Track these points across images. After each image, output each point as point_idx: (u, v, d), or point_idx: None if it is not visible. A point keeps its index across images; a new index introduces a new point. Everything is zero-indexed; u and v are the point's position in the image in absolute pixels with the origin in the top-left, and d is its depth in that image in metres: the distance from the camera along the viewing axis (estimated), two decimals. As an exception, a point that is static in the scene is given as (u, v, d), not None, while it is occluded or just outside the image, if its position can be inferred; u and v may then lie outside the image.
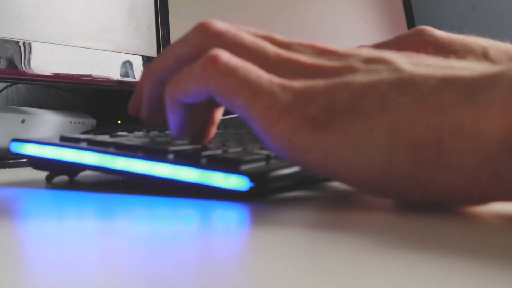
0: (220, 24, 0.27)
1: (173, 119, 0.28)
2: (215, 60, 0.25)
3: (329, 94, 0.23)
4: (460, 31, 0.37)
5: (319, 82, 0.24)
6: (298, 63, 0.25)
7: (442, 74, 0.23)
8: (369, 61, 0.25)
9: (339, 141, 0.22)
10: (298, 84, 0.24)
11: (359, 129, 0.22)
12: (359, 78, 0.24)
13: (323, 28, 0.80)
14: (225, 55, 0.25)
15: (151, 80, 0.29)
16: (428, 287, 0.13)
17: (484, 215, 0.23)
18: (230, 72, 0.24)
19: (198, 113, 0.29)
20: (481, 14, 0.95)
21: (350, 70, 0.24)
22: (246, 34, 0.27)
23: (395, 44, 0.36)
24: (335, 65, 0.25)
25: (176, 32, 0.65)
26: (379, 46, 0.36)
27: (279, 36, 0.28)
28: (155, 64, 0.29)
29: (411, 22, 0.91)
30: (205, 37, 0.27)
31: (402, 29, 0.91)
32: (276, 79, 0.25)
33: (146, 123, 0.31)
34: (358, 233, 0.19)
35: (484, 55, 0.34)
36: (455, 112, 0.21)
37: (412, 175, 0.22)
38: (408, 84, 0.23)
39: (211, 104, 0.30)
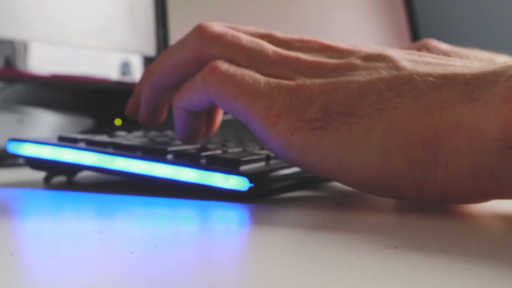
0: (217, 27, 0.28)
1: (179, 125, 0.29)
2: (214, 69, 0.26)
3: (327, 94, 0.24)
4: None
5: (317, 82, 0.24)
6: (297, 61, 0.26)
7: (441, 71, 0.23)
8: (369, 58, 0.25)
9: (336, 142, 0.23)
10: (296, 84, 0.24)
11: (356, 130, 0.22)
12: (357, 77, 0.24)
13: (325, 28, 0.79)
14: (224, 65, 0.26)
15: (150, 83, 0.30)
16: (428, 287, 0.13)
17: (486, 215, 0.23)
18: (228, 79, 0.25)
19: (203, 119, 0.30)
20: (482, 13, 0.95)
21: (350, 67, 0.25)
22: (243, 34, 0.27)
23: None
24: (335, 62, 0.25)
25: (175, 30, 0.65)
26: None
27: (279, 34, 0.28)
28: (154, 67, 0.30)
29: (412, 22, 0.91)
30: (204, 40, 0.27)
31: (402, 27, 0.91)
32: (273, 82, 0.25)
33: (144, 125, 0.32)
34: (358, 233, 0.19)
35: None
36: (453, 110, 0.21)
37: (408, 174, 0.22)
38: (405, 83, 0.23)
39: (213, 108, 0.31)
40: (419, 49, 0.36)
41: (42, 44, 0.52)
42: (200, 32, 0.28)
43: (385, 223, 0.22)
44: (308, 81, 0.24)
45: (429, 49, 0.36)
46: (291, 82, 0.25)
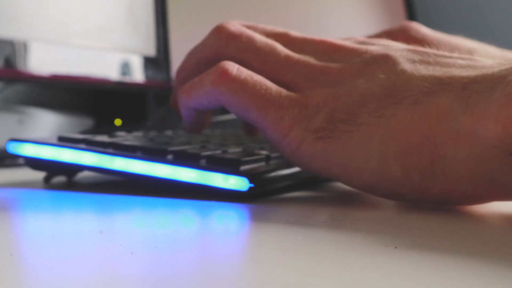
0: (234, 27, 0.28)
1: (188, 121, 0.30)
2: (224, 75, 0.26)
3: (330, 104, 0.25)
4: (462, 33, 0.37)
5: (322, 92, 0.25)
6: (306, 66, 0.27)
7: (439, 75, 0.23)
8: (373, 60, 0.25)
9: (339, 150, 0.24)
10: (303, 95, 0.25)
11: (356, 138, 0.23)
12: (359, 85, 0.24)
13: (324, 28, 0.79)
14: (234, 69, 0.26)
15: (180, 81, 0.31)
16: (428, 287, 0.13)
17: (486, 214, 0.23)
18: (239, 88, 0.26)
19: (209, 111, 0.30)
20: (482, 13, 0.95)
21: (353, 73, 0.25)
22: (258, 36, 0.28)
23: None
24: (339, 67, 0.26)
25: (175, 30, 0.65)
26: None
27: (294, 33, 0.29)
28: (181, 68, 0.31)
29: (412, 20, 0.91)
30: (221, 40, 0.28)
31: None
32: (284, 92, 0.26)
33: (189, 132, 0.32)
34: (358, 233, 0.19)
35: None
36: (450, 117, 0.21)
37: (406, 180, 0.23)
38: (403, 90, 0.23)
39: None
40: (399, 32, 0.36)
41: (42, 44, 0.52)
42: (217, 33, 0.29)
43: (385, 223, 0.22)
44: (314, 92, 0.25)
45: (409, 34, 0.36)
46: (299, 94, 0.25)
